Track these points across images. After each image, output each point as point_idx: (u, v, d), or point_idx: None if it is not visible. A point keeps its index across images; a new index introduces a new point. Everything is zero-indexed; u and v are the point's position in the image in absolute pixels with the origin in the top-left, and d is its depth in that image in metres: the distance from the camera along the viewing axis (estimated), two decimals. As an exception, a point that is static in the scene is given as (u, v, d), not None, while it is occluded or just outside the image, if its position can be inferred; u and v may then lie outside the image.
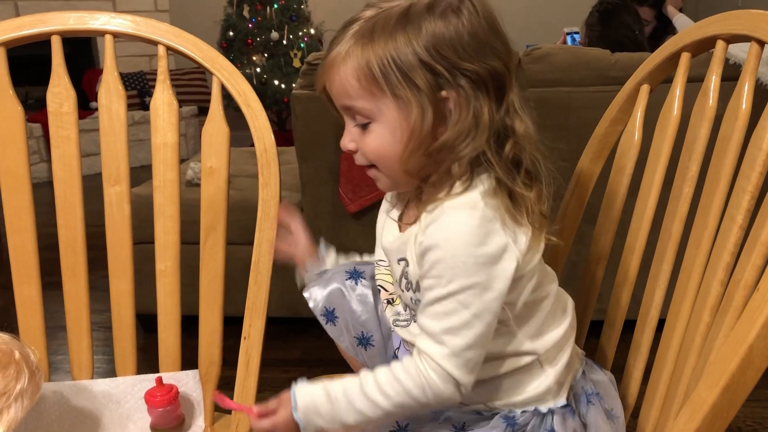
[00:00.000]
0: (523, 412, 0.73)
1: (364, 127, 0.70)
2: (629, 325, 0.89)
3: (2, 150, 1.01)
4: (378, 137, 0.70)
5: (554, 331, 0.75)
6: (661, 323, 0.83)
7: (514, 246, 0.66)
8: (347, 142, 0.72)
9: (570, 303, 0.82)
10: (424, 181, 0.71)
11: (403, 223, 0.76)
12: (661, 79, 0.90)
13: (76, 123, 1.02)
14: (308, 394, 0.73)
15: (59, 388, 1.02)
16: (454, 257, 0.65)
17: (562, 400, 0.74)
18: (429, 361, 0.67)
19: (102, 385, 1.04)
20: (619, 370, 0.88)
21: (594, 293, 0.95)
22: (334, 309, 0.83)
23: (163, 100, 1.01)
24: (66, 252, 1.04)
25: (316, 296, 0.85)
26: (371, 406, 0.70)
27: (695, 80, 0.83)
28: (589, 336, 0.94)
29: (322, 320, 0.85)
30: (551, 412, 0.74)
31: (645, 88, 0.90)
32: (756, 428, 1.66)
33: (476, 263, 0.64)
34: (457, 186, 0.67)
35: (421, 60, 0.66)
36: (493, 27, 0.69)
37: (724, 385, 0.56)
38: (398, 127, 0.68)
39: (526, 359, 0.73)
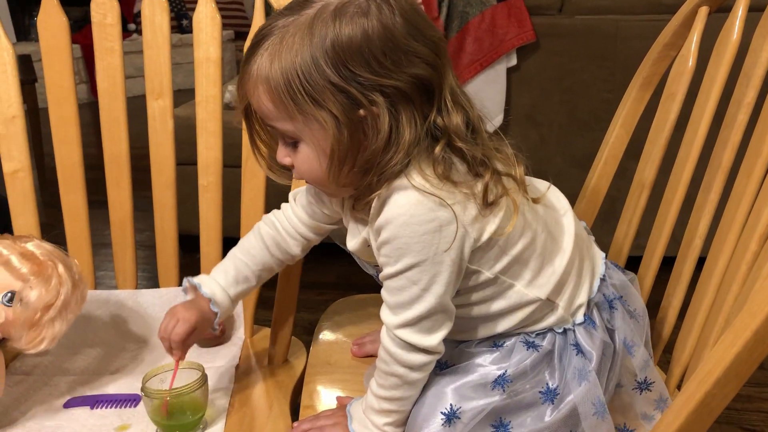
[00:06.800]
0: (538, 334, 0.73)
1: (294, 145, 0.69)
2: (667, 263, 0.88)
3: (48, 61, 1.01)
4: (305, 158, 0.68)
5: (552, 268, 0.73)
6: (701, 261, 0.82)
7: (463, 216, 0.65)
8: (282, 157, 0.71)
9: (566, 218, 0.77)
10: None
11: (357, 214, 0.75)
12: (721, 1, 0.86)
13: (120, 35, 1.02)
14: (360, 409, 0.76)
15: (106, 296, 1.06)
16: (398, 238, 0.65)
17: (579, 317, 0.74)
18: (388, 331, 0.70)
19: (146, 295, 1.07)
20: (654, 306, 0.88)
21: (634, 226, 0.93)
22: None
23: (206, 13, 1.00)
24: (111, 165, 1.06)
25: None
26: (382, 402, 0.72)
27: (756, 10, 0.80)
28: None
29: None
30: (571, 330, 0.73)
31: (703, 11, 0.86)
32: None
33: (419, 242, 0.65)
34: (394, 175, 0.66)
35: (330, 82, 0.62)
36: (413, 22, 0.64)
37: (769, 311, 0.55)
38: (321, 147, 0.66)
39: (534, 304, 0.72)
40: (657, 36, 0.92)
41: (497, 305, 0.72)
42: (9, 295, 0.82)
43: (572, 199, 1.00)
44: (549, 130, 2.00)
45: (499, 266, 0.70)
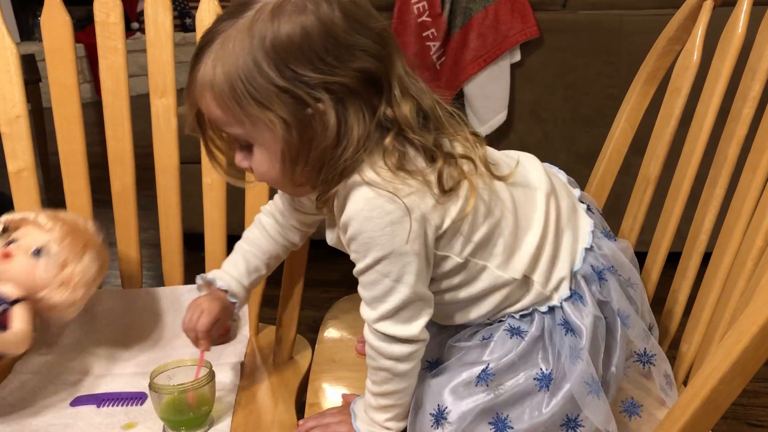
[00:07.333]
0: (522, 316, 0.72)
1: (249, 148, 0.68)
2: (672, 259, 0.87)
3: (52, 60, 1.01)
4: (260, 161, 0.68)
5: (524, 245, 0.71)
6: (706, 256, 0.81)
7: (421, 204, 0.65)
8: (240, 161, 0.70)
9: (540, 192, 0.74)
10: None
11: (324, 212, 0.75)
12: (727, -5, 0.86)
13: (123, 34, 1.03)
14: (362, 407, 0.76)
15: (111, 295, 1.06)
16: (362, 233, 0.66)
17: (564, 292, 0.72)
18: (368, 326, 0.70)
19: (151, 293, 1.07)
20: (660, 302, 0.87)
21: (639, 221, 0.93)
22: None
23: (209, 11, 1.01)
24: (114, 164, 1.06)
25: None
26: (378, 398, 0.72)
27: (761, 3, 0.80)
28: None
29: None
30: (558, 307, 0.72)
31: (708, 5, 0.86)
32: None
33: (383, 235, 0.65)
34: (348, 170, 0.66)
35: (274, 84, 0.62)
36: (353, 15, 0.63)
37: (775, 307, 0.55)
38: (272, 149, 0.66)
39: (510, 285, 0.71)
40: (661, 31, 0.92)
41: (473, 288, 0.72)
42: (37, 249, 0.87)
43: (576, 196, 1.00)
44: (553, 126, 1.99)
45: (467, 250, 0.70)
